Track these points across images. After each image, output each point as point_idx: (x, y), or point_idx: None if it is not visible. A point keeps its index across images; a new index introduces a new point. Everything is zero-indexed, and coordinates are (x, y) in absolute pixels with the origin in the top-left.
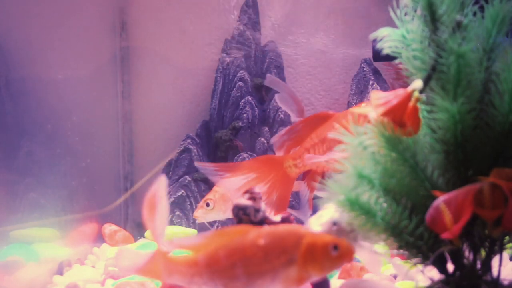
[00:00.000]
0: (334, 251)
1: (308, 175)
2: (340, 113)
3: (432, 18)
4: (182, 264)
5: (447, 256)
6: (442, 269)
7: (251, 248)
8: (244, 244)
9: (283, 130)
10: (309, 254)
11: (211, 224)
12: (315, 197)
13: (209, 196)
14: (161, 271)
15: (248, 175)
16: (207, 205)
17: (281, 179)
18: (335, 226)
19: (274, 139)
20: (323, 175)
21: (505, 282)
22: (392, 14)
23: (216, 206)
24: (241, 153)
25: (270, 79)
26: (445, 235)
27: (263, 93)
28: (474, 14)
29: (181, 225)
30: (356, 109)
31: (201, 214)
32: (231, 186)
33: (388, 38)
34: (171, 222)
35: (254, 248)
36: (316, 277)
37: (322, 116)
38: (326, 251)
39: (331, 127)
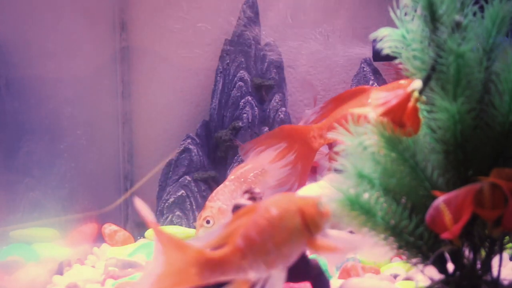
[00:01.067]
0: (322, 208)
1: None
2: (374, 88)
3: (432, 18)
4: (227, 256)
5: (447, 256)
6: (442, 269)
7: (271, 220)
8: (263, 218)
9: (317, 107)
10: (307, 216)
11: None
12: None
13: (206, 213)
14: (195, 274)
15: (277, 146)
16: (207, 222)
17: (304, 149)
18: None
19: (306, 113)
20: None
21: (505, 282)
22: (392, 14)
23: (216, 221)
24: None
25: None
26: (445, 235)
27: (263, 93)
28: (474, 14)
29: (181, 225)
30: (356, 109)
31: (203, 233)
32: (264, 160)
33: (388, 38)
34: (171, 222)
35: (272, 220)
36: (316, 235)
37: (357, 90)
38: (316, 209)
39: (363, 101)
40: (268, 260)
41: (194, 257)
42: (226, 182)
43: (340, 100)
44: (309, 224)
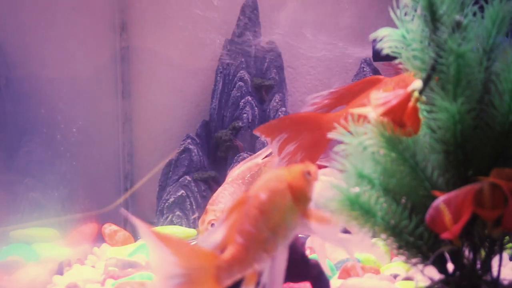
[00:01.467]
0: (308, 176)
1: None
2: (389, 78)
3: (433, 18)
4: (234, 255)
5: (447, 256)
6: (442, 269)
7: (262, 207)
8: (254, 207)
9: (325, 91)
10: (297, 189)
11: None
12: None
13: (210, 217)
14: (215, 281)
15: (284, 134)
16: (212, 225)
17: (316, 137)
18: None
19: (311, 97)
20: None
21: (505, 282)
22: (392, 14)
23: None
24: (241, 153)
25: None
26: (445, 235)
27: (263, 93)
28: (474, 14)
29: (181, 225)
30: (356, 109)
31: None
32: (274, 150)
33: (388, 38)
34: (171, 222)
35: (263, 206)
36: (308, 205)
37: (371, 80)
38: (304, 180)
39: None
40: (268, 248)
41: (213, 263)
42: (225, 185)
43: (354, 90)
44: (299, 196)
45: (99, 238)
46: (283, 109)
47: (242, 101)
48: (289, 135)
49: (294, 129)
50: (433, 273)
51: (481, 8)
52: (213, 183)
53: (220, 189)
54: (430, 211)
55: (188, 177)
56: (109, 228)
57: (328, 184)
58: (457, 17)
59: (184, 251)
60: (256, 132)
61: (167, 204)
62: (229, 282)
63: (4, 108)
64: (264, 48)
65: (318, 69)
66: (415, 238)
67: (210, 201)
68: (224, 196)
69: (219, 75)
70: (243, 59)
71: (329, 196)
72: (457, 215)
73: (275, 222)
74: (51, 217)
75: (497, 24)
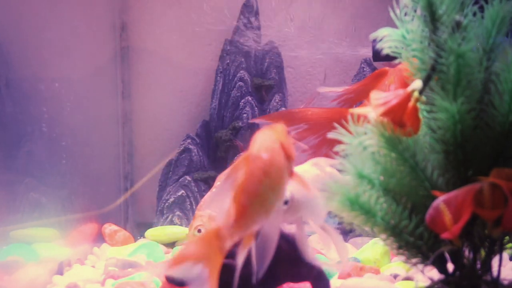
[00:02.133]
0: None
1: None
2: (392, 68)
3: (432, 18)
4: (237, 218)
5: (447, 256)
6: (442, 269)
7: (264, 167)
8: (257, 168)
9: (338, 87)
10: (287, 148)
11: None
12: None
13: (196, 222)
14: (218, 249)
15: (303, 125)
16: (199, 231)
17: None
18: (286, 205)
19: (324, 90)
20: None
21: (505, 282)
22: (392, 14)
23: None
24: (241, 153)
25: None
26: (445, 235)
27: (263, 93)
28: (474, 14)
29: (181, 225)
30: (356, 109)
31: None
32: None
33: (388, 38)
34: (171, 222)
35: (265, 166)
36: (292, 161)
37: (380, 73)
38: (289, 138)
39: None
40: (268, 208)
41: (215, 238)
42: (213, 189)
43: (367, 85)
44: (290, 154)
45: (99, 238)
46: (283, 109)
47: (242, 101)
48: (310, 127)
49: (317, 122)
50: (433, 273)
51: (481, 8)
52: (213, 183)
53: (208, 193)
54: (430, 211)
55: (188, 177)
56: (109, 228)
57: (321, 174)
58: (457, 17)
59: (193, 250)
60: (268, 119)
61: (167, 204)
62: (229, 246)
63: (4, 108)
64: (264, 48)
65: (318, 69)
66: (415, 238)
67: (198, 206)
68: None
69: (219, 75)
70: (243, 59)
71: (322, 185)
72: (457, 215)
73: (275, 182)
74: (51, 217)
75: (497, 24)
